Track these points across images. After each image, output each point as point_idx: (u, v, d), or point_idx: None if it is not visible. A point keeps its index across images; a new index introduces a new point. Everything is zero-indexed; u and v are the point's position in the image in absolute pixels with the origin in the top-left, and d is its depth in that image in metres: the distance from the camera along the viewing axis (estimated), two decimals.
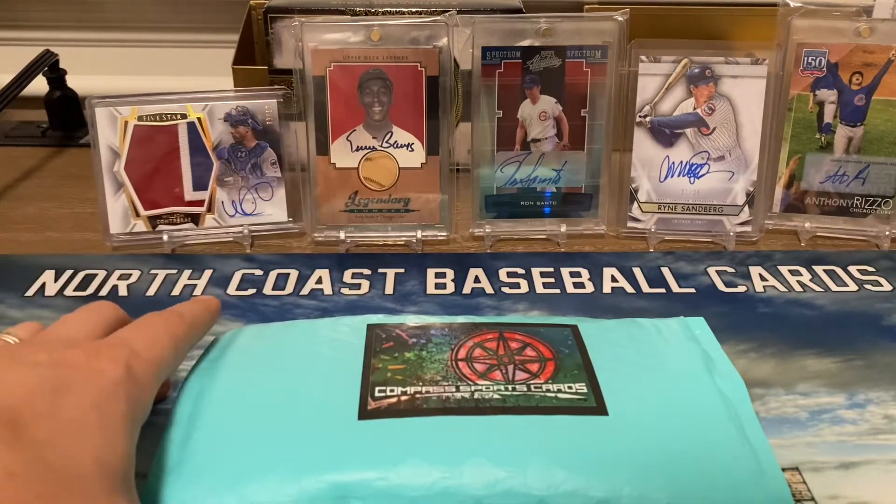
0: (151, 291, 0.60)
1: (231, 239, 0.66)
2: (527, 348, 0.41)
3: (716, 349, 0.43)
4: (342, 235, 0.65)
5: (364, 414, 0.36)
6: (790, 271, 0.62)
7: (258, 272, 0.62)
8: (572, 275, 0.62)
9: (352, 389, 0.38)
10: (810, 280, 0.61)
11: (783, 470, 0.38)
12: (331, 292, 0.59)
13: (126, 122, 0.63)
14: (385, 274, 0.62)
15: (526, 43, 0.63)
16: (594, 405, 0.37)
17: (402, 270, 0.62)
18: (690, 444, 0.36)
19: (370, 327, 0.43)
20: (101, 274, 0.62)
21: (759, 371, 0.50)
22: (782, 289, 0.60)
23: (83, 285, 0.60)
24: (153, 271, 0.62)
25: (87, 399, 0.32)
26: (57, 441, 0.30)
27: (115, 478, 0.30)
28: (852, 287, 0.60)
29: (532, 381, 0.38)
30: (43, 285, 0.60)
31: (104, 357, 0.34)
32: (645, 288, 0.60)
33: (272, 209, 0.66)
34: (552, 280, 0.61)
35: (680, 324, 0.45)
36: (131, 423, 0.33)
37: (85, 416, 0.31)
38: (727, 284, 0.60)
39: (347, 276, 0.61)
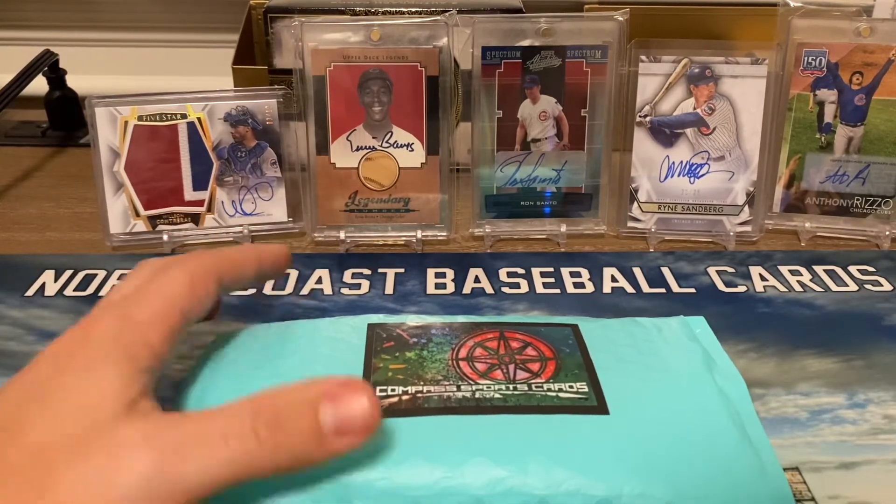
0: None
1: (231, 239, 0.66)
2: (527, 348, 0.41)
3: (716, 348, 0.43)
4: (342, 235, 0.65)
5: None
6: (790, 271, 0.62)
7: None
8: (572, 275, 0.62)
9: None
10: (810, 280, 0.61)
11: (783, 470, 0.38)
12: (331, 292, 0.59)
13: (126, 122, 0.63)
14: (385, 274, 0.62)
15: (526, 43, 0.63)
16: (595, 404, 0.37)
17: (402, 270, 0.62)
18: (691, 444, 0.36)
19: (371, 327, 0.43)
20: (101, 274, 0.62)
21: (760, 371, 0.50)
22: (782, 289, 0.60)
23: (83, 285, 0.60)
24: None
25: (69, 368, 0.33)
26: (37, 421, 0.31)
27: (96, 411, 0.31)
28: (852, 287, 0.60)
29: (533, 381, 0.38)
30: (43, 285, 0.60)
31: (96, 321, 0.35)
32: (645, 288, 0.60)
33: (272, 209, 0.66)
34: (552, 280, 0.61)
35: (680, 323, 0.45)
36: (125, 358, 0.33)
37: (63, 383, 0.32)
38: (727, 284, 0.60)
39: (347, 276, 0.61)
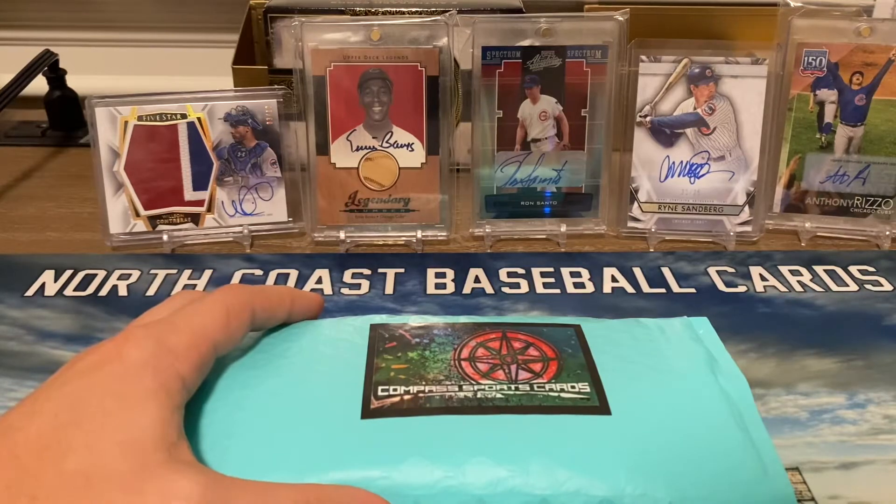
0: (151, 291, 0.60)
1: (231, 239, 0.66)
2: (530, 348, 0.41)
3: (719, 349, 0.43)
4: (342, 235, 0.65)
5: (367, 413, 0.36)
6: (790, 271, 0.62)
7: (258, 272, 0.62)
8: (572, 275, 0.62)
9: (355, 388, 0.38)
10: (811, 280, 0.61)
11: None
12: (331, 292, 0.59)
13: (126, 122, 0.63)
14: (385, 274, 0.62)
15: (526, 43, 0.63)
16: (597, 405, 0.37)
17: (402, 270, 0.62)
18: (694, 444, 0.36)
19: (373, 327, 0.43)
20: (101, 274, 0.62)
21: (760, 371, 0.50)
22: (783, 289, 0.60)
23: (83, 285, 0.60)
24: (153, 271, 0.62)
25: (107, 391, 0.32)
26: (78, 448, 0.30)
27: (143, 452, 0.30)
28: (853, 287, 0.60)
29: (535, 381, 0.38)
30: (43, 285, 0.60)
31: (131, 340, 0.34)
32: (645, 288, 0.60)
33: (272, 209, 0.66)
34: (552, 280, 0.61)
35: (683, 324, 0.45)
36: (164, 393, 0.33)
37: (104, 409, 0.31)
38: (727, 284, 0.60)
39: (347, 276, 0.61)
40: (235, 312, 0.38)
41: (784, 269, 0.62)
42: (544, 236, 0.67)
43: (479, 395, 0.37)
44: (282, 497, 0.31)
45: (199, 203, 0.65)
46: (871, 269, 0.62)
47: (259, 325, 0.41)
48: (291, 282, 0.61)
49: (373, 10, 0.73)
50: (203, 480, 0.30)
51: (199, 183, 0.65)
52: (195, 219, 0.66)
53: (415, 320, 0.44)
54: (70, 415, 0.31)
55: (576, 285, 0.60)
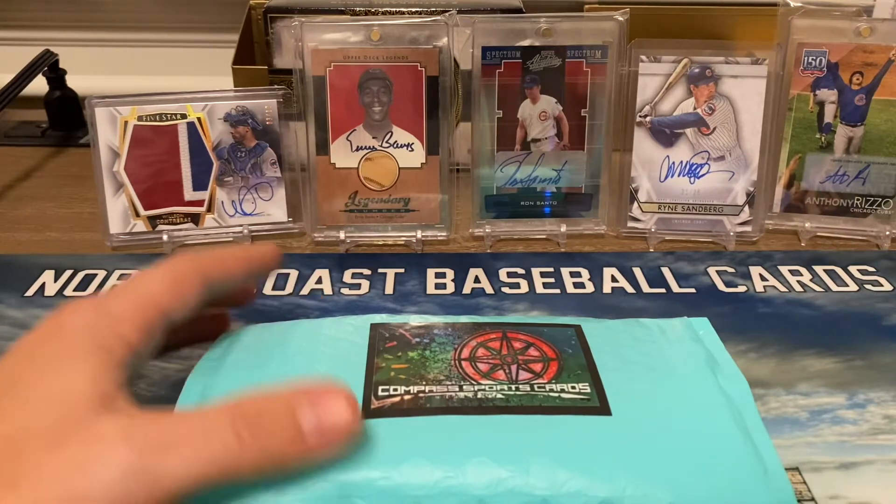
0: None
1: (231, 239, 0.66)
2: (530, 348, 0.41)
3: (719, 349, 0.43)
4: (342, 235, 0.65)
5: (367, 413, 0.36)
6: (790, 271, 0.62)
7: None
8: (572, 275, 0.62)
9: (355, 388, 0.38)
10: (810, 280, 0.61)
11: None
12: (331, 292, 0.59)
13: (126, 122, 0.63)
14: (385, 274, 0.62)
15: (526, 43, 0.63)
16: (597, 405, 0.37)
17: (402, 270, 0.62)
18: (694, 445, 0.36)
19: (374, 327, 0.43)
20: (101, 274, 0.62)
21: (760, 371, 0.50)
22: (782, 289, 0.60)
23: (83, 285, 0.60)
24: None
25: (45, 358, 0.33)
26: (10, 413, 0.31)
27: (70, 405, 0.31)
28: (852, 287, 0.60)
29: (535, 381, 0.38)
30: (43, 285, 0.60)
31: (68, 309, 0.35)
32: (645, 288, 0.60)
33: (272, 209, 0.66)
34: (552, 280, 0.61)
35: (684, 324, 0.45)
36: (103, 352, 0.33)
37: (39, 374, 0.32)
38: (727, 284, 0.60)
39: (347, 276, 0.61)
40: (182, 276, 0.38)
41: (784, 269, 0.62)
42: (544, 236, 0.67)
43: (479, 395, 0.37)
44: (214, 417, 0.31)
45: (199, 203, 0.65)
46: (871, 269, 0.62)
47: (217, 287, 0.40)
48: (291, 281, 0.61)
49: (373, 10, 0.73)
50: (126, 421, 0.30)
51: (199, 183, 0.65)
52: (195, 219, 0.66)
53: (415, 320, 0.44)
54: (6, 386, 0.32)
55: (576, 285, 0.60)
